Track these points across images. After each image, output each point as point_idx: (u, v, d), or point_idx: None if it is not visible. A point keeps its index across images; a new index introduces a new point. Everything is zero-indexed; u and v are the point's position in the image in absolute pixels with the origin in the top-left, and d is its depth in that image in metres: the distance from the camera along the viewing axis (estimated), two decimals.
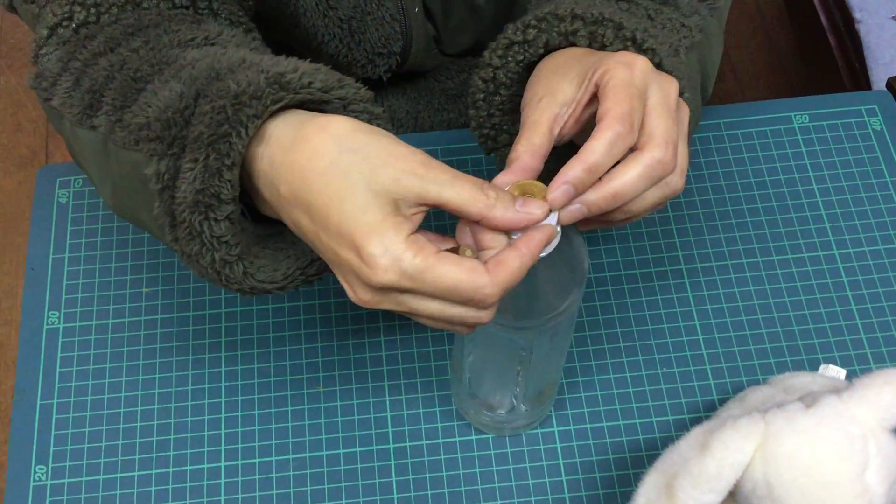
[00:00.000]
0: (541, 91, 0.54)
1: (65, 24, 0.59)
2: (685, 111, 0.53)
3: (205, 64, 0.53)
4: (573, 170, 0.48)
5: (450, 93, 0.88)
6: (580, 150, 0.49)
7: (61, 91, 0.58)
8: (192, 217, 0.50)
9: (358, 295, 0.48)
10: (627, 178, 0.49)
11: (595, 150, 0.48)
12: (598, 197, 0.49)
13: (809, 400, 0.54)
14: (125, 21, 0.59)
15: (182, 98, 0.52)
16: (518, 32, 0.57)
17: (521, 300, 0.53)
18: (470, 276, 0.46)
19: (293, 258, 0.55)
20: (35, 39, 0.60)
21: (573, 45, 0.57)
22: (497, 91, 0.59)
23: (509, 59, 0.58)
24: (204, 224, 0.50)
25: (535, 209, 0.48)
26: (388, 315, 0.72)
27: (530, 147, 0.51)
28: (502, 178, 0.50)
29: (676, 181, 0.52)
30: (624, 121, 0.48)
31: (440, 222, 0.75)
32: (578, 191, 0.49)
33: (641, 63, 0.51)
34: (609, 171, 0.49)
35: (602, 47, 0.56)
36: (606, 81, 0.50)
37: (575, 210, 0.50)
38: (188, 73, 0.53)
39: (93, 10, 0.59)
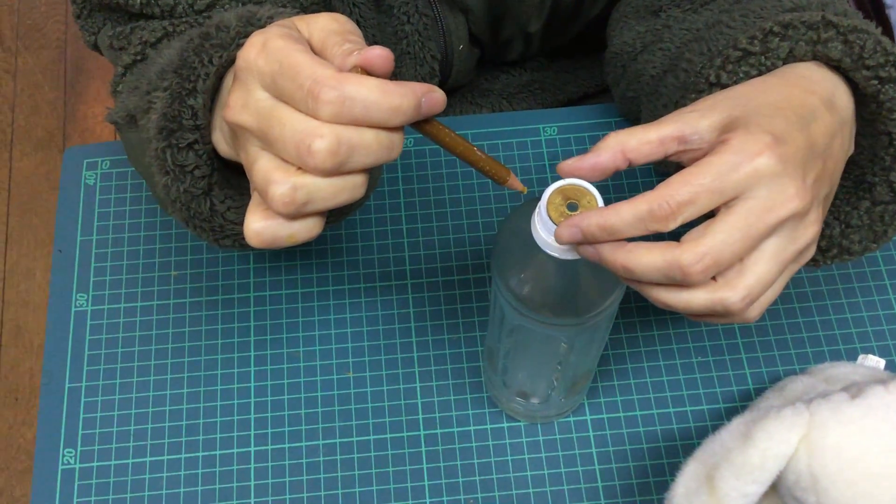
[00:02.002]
0: (707, 101, 0.47)
1: (139, 64, 0.61)
2: (802, 237, 0.46)
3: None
4: (590, 220, 0.44)
5: (482, 87, 0.87)
6: (608, 206, 0.45)
7: (119, 101, 0.60)
8: (158, 144, 0.51)
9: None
10: (641, 260, 0.44)
11: (620, 214, 0.44)
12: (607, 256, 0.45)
13: (854, 390, 0.53)
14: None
15: (179, 51, 0.52)
16: (755, 42, 0.51)
17: (562, 298, 0.52)
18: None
19: None
20: (113, 78, 0.63)
21: (818, 57, 0.51)
22: None
23: (741, 74, 0.52)
24: (167, 151, 0.51)
25: None
26: (419, 300, 0.71)
27: (635, 147, 0.46)
28: (577, 163, 0.46)
29: (736, 305, 0.44)
30: (672, 203, 0.43)
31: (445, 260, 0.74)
32: (587, 241, 0.45)
33: (767, 161, 0.43)
34: (634, 240, 0.45)
35: (859, 59, 0.50)
36: (717, 150, 0.44)
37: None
38: (191, 32, 0.54)
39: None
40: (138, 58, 0.62)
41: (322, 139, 0.40)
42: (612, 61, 0.72)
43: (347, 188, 0.42)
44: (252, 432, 0.67)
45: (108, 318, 0.71)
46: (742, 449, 0.52)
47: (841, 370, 0.61)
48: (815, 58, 0.51)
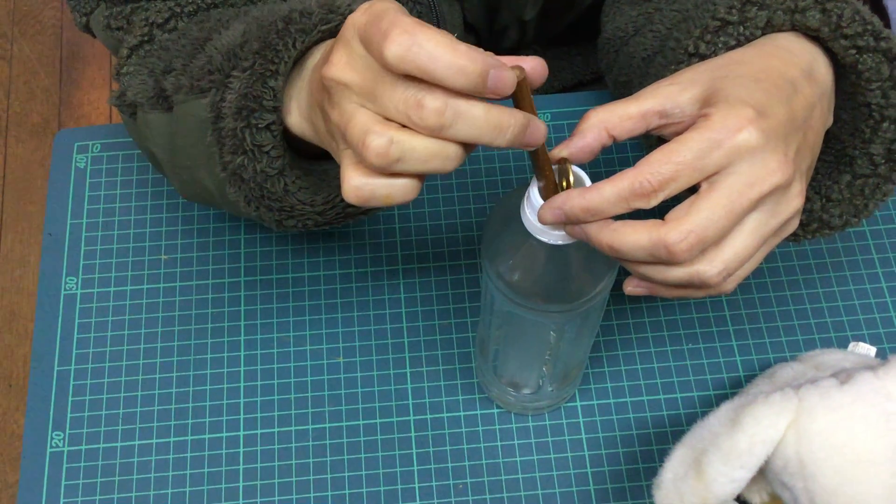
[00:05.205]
0: (686, 74, 0.47)
1: (146, 46, 0.62)
2: (784, 211, 0.46)
3: (268, 7, 0.55)
4: (573, 202, 0.45)
5: None
6: (590, 186, 0.45)
7: (137, 82, 0.60)
8: (236, 124, 0.52)
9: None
10: (627, 239, 0.44)
11: (603, 194, 0.44)
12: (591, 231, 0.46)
13: (843, 376, 0.53)
14: (196, 18, 0.62)
15: (244, 34, 0.53)
16: (734, 11, 0.51)
17: (552, 284, 0.52)
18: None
19: (336, 187, 0.54)
20: (118, 60, 0.64)
21: (797, 27, 0.50)
22: None
23: (719, 45, 0.51)
24: (245, 131, 0.52)
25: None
26: (410, 286, 0.71)
27: (617, 123, 0.46)
28: (560, 149, 0.47)
29: (713, 279, 0.45)
30: (653, 181, 0.43)
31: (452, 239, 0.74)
32: (570, 222, 0.46)
33: (749, 136, 0.43)
34: (622, 219, 0.45)
35: (837, 28, 0.49)
36: (699, 126, 0.44)
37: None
38: (251, 15, 0.55)
39: (173, 32, 0.62)
40: (145, 38, 0.62)
41: (433, 97, 0.41)
42: (605, 47, 0.71)
43: (440, 155, 0.42)
44: (241, 416, 0.67)
45: (97, 301, 0.71)
46: (730, 434, 0.52)
47: (831, 357, 0.61)
48: (794, 27, 0.51)
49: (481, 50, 0.41)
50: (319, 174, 0.57)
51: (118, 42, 0.65)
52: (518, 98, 0.43)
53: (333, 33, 0.53)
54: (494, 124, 0.42)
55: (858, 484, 0.50)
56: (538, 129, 0.44)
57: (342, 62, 0.43)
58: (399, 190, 0.44)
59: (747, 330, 0.69)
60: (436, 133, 0.42)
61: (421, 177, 0.45)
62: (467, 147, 0.43)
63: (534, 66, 0.43)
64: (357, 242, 0.73)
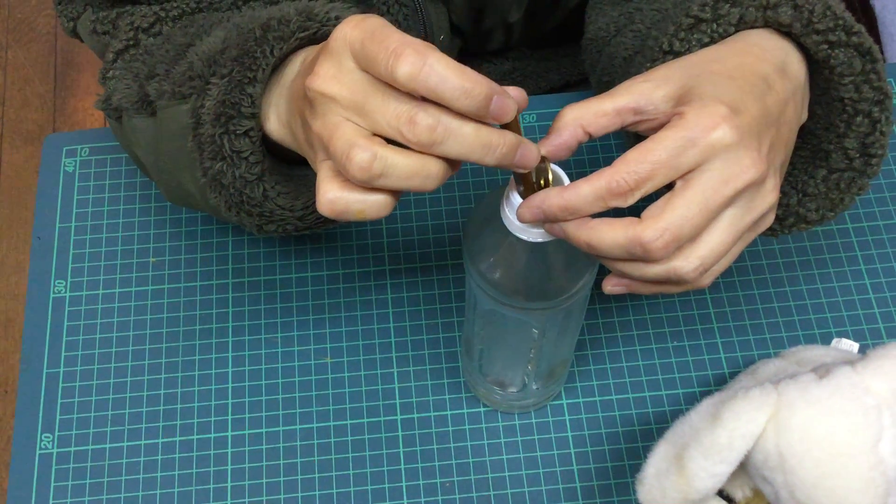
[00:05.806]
0: (660, 71, 0.48)
1: (131, 50, 0.63)
2: (759, 206, 0.46)
3: (250, 13, 0.56)
4: (551, 201, 0.45)
5: None
6: (568, 185, 0.45)
7: (122, 87, 0.60)
8: (214, 130, 0.52)
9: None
10: (604, 237, 0.45)
11: (580, 193, 0.44)
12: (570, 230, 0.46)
13: (822, 371, 0.54)
14: (181, 23, 0.63)
15: (224, 41, 0.54)
16: (707, 9, 0.51)
17: (533, 282, 0.52)
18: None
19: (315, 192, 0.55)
20: (103, 64, 0.64)
21: (770, 24, 0.51)
22: None
23: (693, 42, 0.52)
24: (224, 137, 0.52)
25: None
26: (397, 286, 0.71)
27: (592, 120, 0.47)
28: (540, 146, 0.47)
29: (689, 275, 0.46)
30: (629, 180, 0.44)
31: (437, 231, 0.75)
32: (549, 220, 0.46)
33: (723, 134, 0.44)
34: (599, 217, 0.46)
35: (809, 23, 0.50)
36: (673, 124, 0.44)
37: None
38: (232, 22, 0.55)
39: (158, 37, 0.63)
40: (130, 43, 0.63)
41: (425, 114, 0.41)
42: (588, 48, 0.72)
43: (422, 174, 0.43)
44: (229, 417, 0.67)
45: (86, 304, 0.71)
46: (710, 429, 0.52)
47: (813, 353, 0.61)
48: (767, 24, 0.51)
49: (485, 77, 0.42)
50: (299, 179, 0.57)
51: (104, 46, 0.65)
52: (506, 123, 0.44)
53: (312, 40, 0.53)
54: (484, 143, 0.42)
55: (837, 477, 0.51)
56: (531, 151, 0.44)
57: (329, 74, 0.44)
58: (373, 205, 0.44)
59: (731, 327, 0.70)
60: (426, 149, 0.42)
61: (396, 194, 0.45)
62: (452, 166, 0.44)
63: (515, 95, 0.44)
64: (344, 243, 0.73)
